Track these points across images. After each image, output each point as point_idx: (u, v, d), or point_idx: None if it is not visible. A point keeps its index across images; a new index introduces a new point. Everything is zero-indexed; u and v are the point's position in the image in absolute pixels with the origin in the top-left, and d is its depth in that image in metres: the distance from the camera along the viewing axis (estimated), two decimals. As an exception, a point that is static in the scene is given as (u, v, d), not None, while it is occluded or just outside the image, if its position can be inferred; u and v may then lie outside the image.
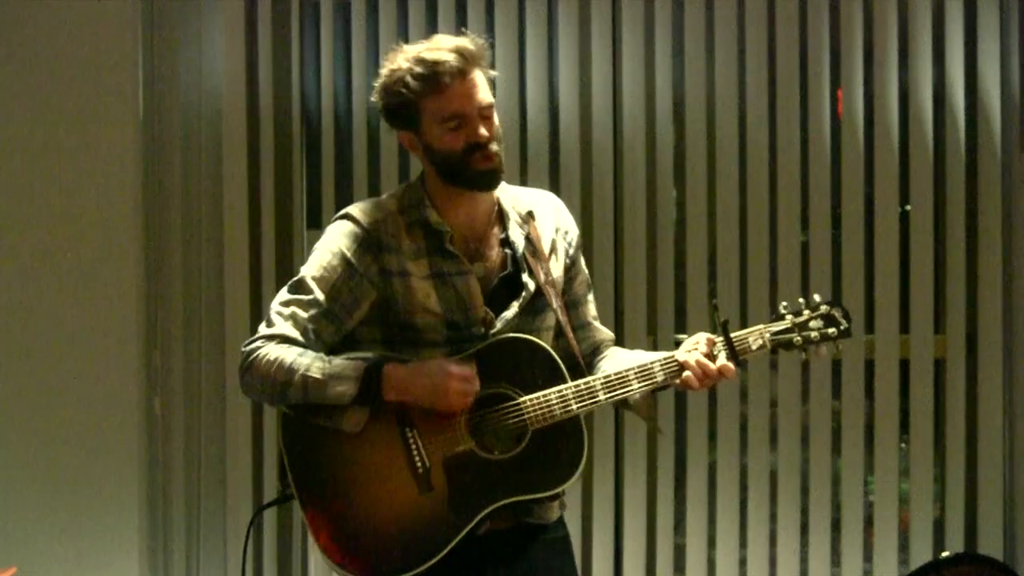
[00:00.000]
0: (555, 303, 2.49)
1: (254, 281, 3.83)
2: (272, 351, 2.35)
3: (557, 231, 2.57)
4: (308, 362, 2.34)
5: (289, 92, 3.85)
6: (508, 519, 2.44)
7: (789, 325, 2.48)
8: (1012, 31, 3.68)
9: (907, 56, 3.70)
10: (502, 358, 2.42)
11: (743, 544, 3.78)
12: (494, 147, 2.40)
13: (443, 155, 2.41)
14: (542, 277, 2.48)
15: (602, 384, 2.42)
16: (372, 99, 2.49)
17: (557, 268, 2.54)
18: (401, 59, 2.40)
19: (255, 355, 2.37)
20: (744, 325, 3.64)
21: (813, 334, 2.47)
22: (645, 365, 2.43)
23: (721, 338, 2.44)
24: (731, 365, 2.42)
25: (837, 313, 2.49)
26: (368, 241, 2.42)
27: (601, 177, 3.77)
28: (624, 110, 3.77)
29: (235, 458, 3.82)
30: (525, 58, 3.77)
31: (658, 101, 3.77)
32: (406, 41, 2.50)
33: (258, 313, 3.75)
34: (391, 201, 2.48)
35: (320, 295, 2.39)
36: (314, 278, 2.41)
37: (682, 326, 3.77)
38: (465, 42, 2.40)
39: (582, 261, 2.64)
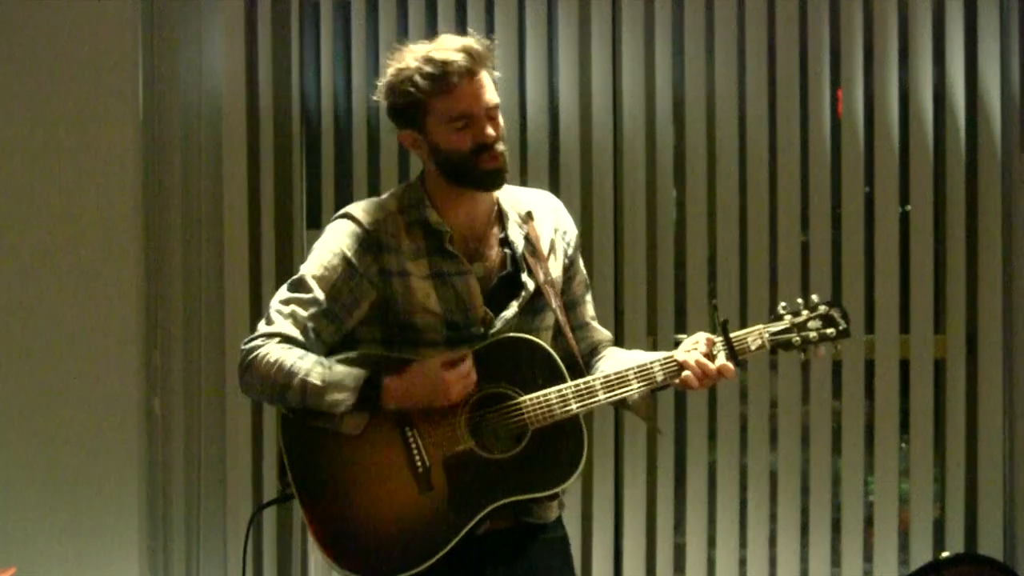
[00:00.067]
0: (554, 303, 2.50)
1: (254, 281, 3.83)
2: (272, 352, 2.35)
3: (556, 231, 2.57)
4: (308, 367, 2.33)
5: (289, 92, 3.85)
6: (508, 519, 2.44)
7: (788, 325, 2.48)
8: (1012, 31, 3.68)
9: (907, 56, 3.70)
10: (502, 358, 2.42)
11: (743, 544, 3.78)
12: (500, 147, 2.41)
13: (449, 155, 2.41)
14: (541, 277, 2.48)
15: (602, 384, 2.42)
16: (376, 98, 2.49)
17: (556, 268, 2.54)
18: (409, 58, 2.40)
19: (255, 354, 2.37)
20: (744, 325, 3.63)
21: (812, 334, 2.48)
22: (644, 365, 2.43)
23: (720, 338, 2.44)
24: (730, 365, 2.42)
25: (836, 314, 2.49)
26: (368, 241, 2.42)
27: (601, 177, 3.77)
28: (624, 110, 3.77)
29: (235, 458, 3.82)
30: (525, 58, 3.77)
31: (658, 101, 3.78)
32: (405, 42, 2.50)
33: (258, 313, 3.75)
34: (391, 201, 2.48)
35: (320, 294, 2.39)
36: (314, 277, 2.40)
37: (682, 326, 3.77)
38: (472, 42, 2.40)
39: (580, 261, 2.64)
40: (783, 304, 2.51)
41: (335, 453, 2.36)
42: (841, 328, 2.48)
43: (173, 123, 3.83)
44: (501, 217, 2.51)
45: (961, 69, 3.68)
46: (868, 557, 3.74)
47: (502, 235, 2.50)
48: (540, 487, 2.39)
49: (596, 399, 2.41)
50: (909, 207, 3.73)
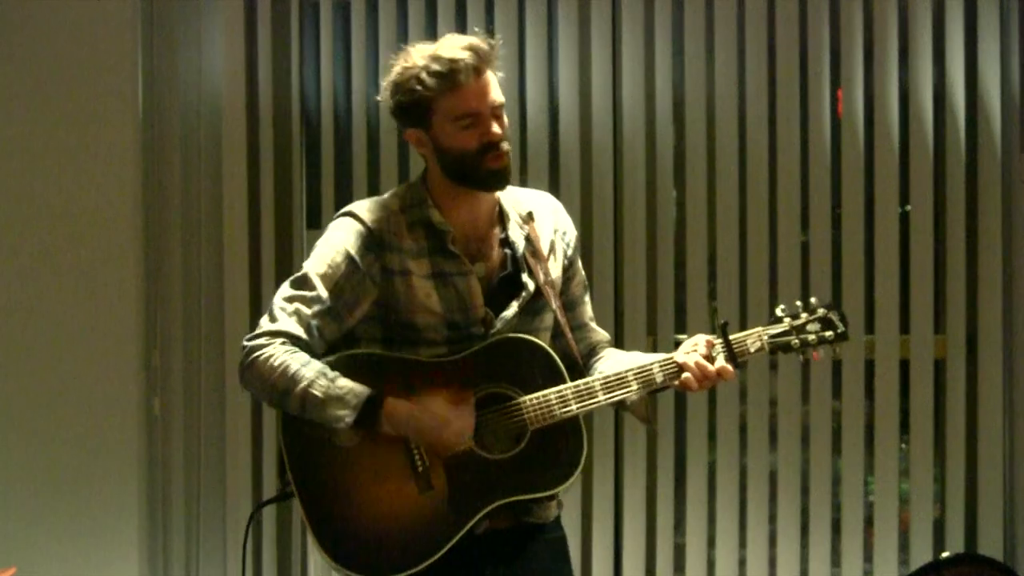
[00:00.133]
0: (554, 303, 2.50)
1: (254, 281, 3.83)
2: (277, 354, 2.34)
3: (556, 232, 2.57)
4: (312, 376, 2.32)
5: (289, 92, 3.85)
6: (507, 518, 2.44)
7: (787, 328, 2.49)
8: (1012, 31, 3.68)
9: (907, 56, 3.70)
10: (502, 358, 2.42)
11: (743, 544, 3.78)
12: (505, 146, 2.41)
13: (455, 154, 2.40)
14: (541, 278, 2.48)
15: (601, 385, 2.42)
16: (379, 98, 2.49)
17: (556, 269, 2.55)
18: (415, 57, 2.40)
19: (258, 353, 2.36)
20: (744, 324, 3.67)
21: (810, 337, 2.49)
22: (644, 366, 2.44)
23: (720, 340, 2.45)
24: (730, 367, 2.43)
25: (834, 317, 2.51)
26: (371, 239, 2.42)
27: (601, 177, 3.77)
28: (624, 110, 3.77)
29: (234, 458, 3.82)
30: (525, 58, 3.77)
31: (658, 101, 3.77)
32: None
33: (258, 313, 3.74)
34: (393, 200, 2.48)
35: (324, 292, 2.39)
36: (319, 275, 2.40)
37: (682, 326, 3.77)
38: (478, 41, 2.40)
39: (579, 262, 2.64)
40: (782, 306, 2.52)
41: (335, 452, 2.36)
42: (839, 331, 2.50)
43: (173, 123, 3.83)
44: (502, 217, 2.51)
45: (961, 69, 3.68)
46: (868, 557, 3.74)
47: (503, 235, 2.50)
48: (540, 487, 2.40)
49: (596, 400, 2.41)
50: (909, 207, 3.73)
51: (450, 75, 2.36)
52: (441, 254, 2.43)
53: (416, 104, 2.41)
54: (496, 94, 2.41)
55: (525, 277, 2.47)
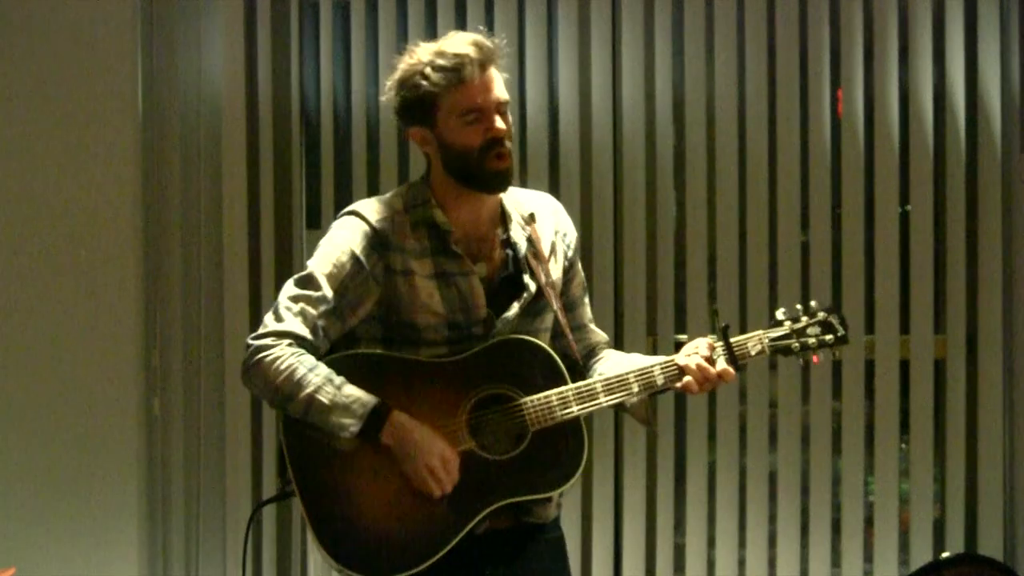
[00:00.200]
0: (555, 304, 2.50)
1: (253, 281, 3.82)
2: (284, 356, 2.33)
3: (556, 233, 2.57)
4: (319, 382, 2.32)
5: (288, 92, 3.85)
6: (508, 518, 2.44)
7: (787, 331, 2.50)
8: (1012, 31, 3.68)
9: (907, 56, 3.70)
10: (503, 359, 2.42)
11: (743, 544, 3.78)
12: (509, 145, 2.41)
13: (458, 151, 2.40)
14: (543, 279, 2.48)
15: (602, 387, 2.43)
16: (383, 97, 2.48)
17: (556, 270, 2.54)
18: (420, 53, 2.40)
19: (264, 354, 2.35)
20: (744, 324, 3.67)
21: (811, 340, 2.50)
22: (645, 368, 2.44)
23: (721, 343, 2.45)
24: (731, 370, 2.44)
25: (834, 320, 2.52)
26: (376, 239, 2.41)
27: (601, 177, 3.77)
28: (624, 110, 3.77)
29: (234, 458, 3.82)
30: (525, 58, 3.77)
31: (658, 101, 3.77)
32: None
33: (257, 313, 3.75)
34: (396, 200, 2.47)
35: (329, 292, 2.38)
36: (324, 274, 2.39)
37: (682, 326, 3.77)
38: (483, 39, 2.40)
39: (579, 264, 2.64)
40: (782, 310, 2.53)
41: (337, 452, 2.36)
42: (839, 335, 2.51)
43: (172, 123, 3.83)
44: (504, 218, 2.51)
45: (961, 69, 3.68)
46: (868, 557, 3.74)
47: (504, 236, 2.49)
48: (540, 488, 2.40)
49: (597, 402, 2.42)
50: (909, 207, 3.73)
51: (455, 69, 2.36)
52: (444, 254, 2.43)
53: (421, 100, 2.40)
54: (500, 91, 2.41)
55: (527, 278, 2.47)
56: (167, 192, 3.83)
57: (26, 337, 3.73)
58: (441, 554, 2.34)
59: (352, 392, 2.32)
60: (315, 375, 2.32)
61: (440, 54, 2.37)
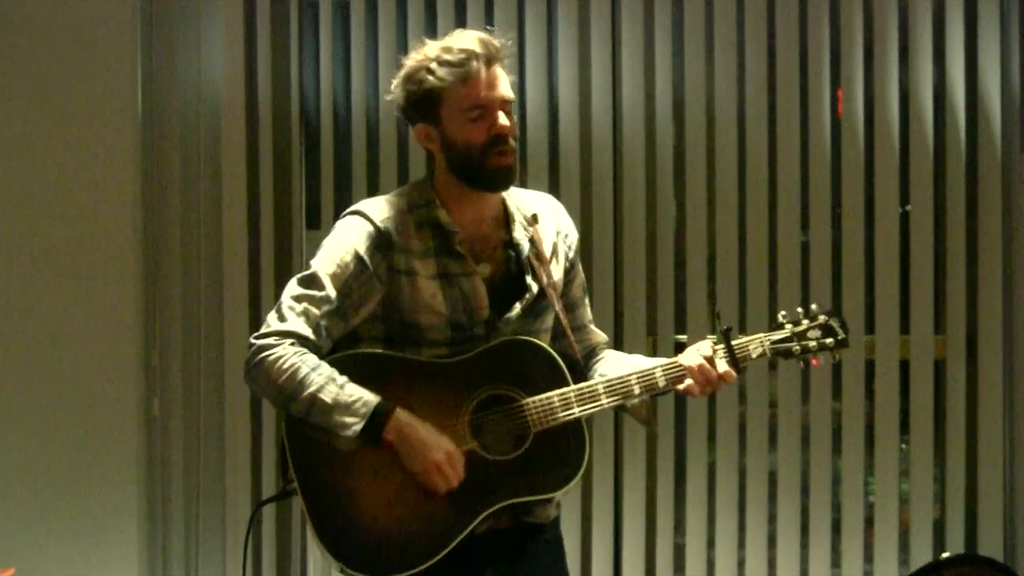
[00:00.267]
0: (557, 305, 2.50)
1: (253, 281, 3.82)
2: (287, 356, 2.33)
3: (558, 234, 2.57)
4: (321, 382, 2.32)
5: (288, 92, 3.85)
6: (508, 518, 2.44)
7: (788, 334, 2.51)
8: (1012, 31, 3.68)
9: (907, 56, 3.70)
10: (505, 359, 2.42)
11: (742, 545, 3.78)
12: (512, 142, 2.41)
13: (462, 148, 2.40)
14: (544, 280, 2.48)
15: (604, 388, 2.43)
16: (388, 96, 2.48)
17: (558, 271, 2.55)
18: (426, 50, 2.41)
19: (267, 353, 2.35)
20: (744, 324, 3.67)
21: (811, 343, 2.51)
22: (647, 370, 2.44)
23: (722, 345, 2.46)
24: (732, 371, 2.44)
25: (835, 323, 2.53)
26: (380, 239, 2.41)
27: (601, 177, 3.77)
28: (624, 110, 3.77)
29: (234, 458, 3.82)
30: (525, 58, 3.77)
31: (658, 101, 3.77)
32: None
33: (257, 313, 3.75)
34: (400, 200, 2.47)
35: (332, 292, 2.38)
36: (328, 274, 2.39)
37: (682, 327, 3.77)
38: (489, 37, 2.41)
39: (579, 265, 2.64)
40: (783, 313, 2.54)
41: (338, 451, 2.36)
42: (840, 338, 2.52)
43: (172, 123, 3.83)
44: (507, 219, 2.51)
45: (961, 69, 3.68)
46: (868, 557, 3.74)
47: (507, 237, 2.49)
48: (542, 489, 2.40)
49: (599, 403, 2.42)
50: (909, 207, 3.73)
51: (461, 65, 2.37)
52: (447, 255, 2.43)
53: (427, 95, 2.40)
54: (505, 89, 2.41)
55: (529, 279, 2.47)
56: (167, 192, 3.83)
57: (26, 337, 3.73)
58: (442, 554, 2.34)
59: (355, 391, 2.33)
60: (318, 374, 2.32)
61: (447, 50, 2.38)
